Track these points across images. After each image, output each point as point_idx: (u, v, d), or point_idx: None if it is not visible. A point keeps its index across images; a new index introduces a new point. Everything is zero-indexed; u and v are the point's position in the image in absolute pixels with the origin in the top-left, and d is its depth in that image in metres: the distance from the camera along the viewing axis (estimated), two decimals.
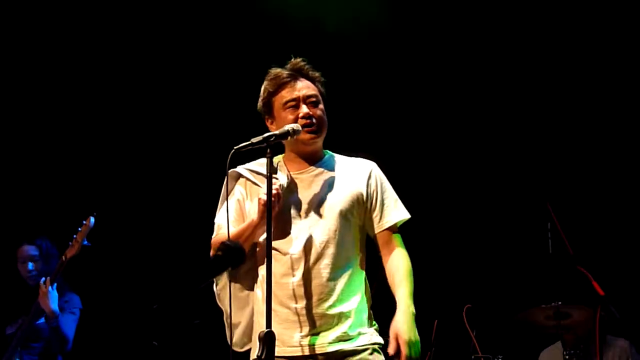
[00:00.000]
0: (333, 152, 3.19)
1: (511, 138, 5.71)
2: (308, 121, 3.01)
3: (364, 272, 3.05)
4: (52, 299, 4.65)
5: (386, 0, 5.59)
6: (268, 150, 2.80)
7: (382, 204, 3.07)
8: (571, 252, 4.44)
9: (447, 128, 5.84)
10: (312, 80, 3.11)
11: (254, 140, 2.82)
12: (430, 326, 4.87)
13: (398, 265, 3.01)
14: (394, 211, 3.07)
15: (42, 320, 4.77)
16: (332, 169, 3.10)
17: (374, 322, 3.04)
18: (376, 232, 3.06)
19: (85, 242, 4.59)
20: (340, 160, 3.16)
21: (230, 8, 5.74)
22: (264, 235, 2.85)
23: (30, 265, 4.91)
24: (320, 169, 3.08)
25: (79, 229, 4.59)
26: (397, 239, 3.07)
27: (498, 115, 5.72)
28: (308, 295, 2.92)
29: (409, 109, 5.84)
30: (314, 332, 2.91)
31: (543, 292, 4.97)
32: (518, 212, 5.53)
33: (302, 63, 3.12)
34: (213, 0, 5.75)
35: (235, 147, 2.80)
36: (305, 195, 3.03)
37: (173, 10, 5.75)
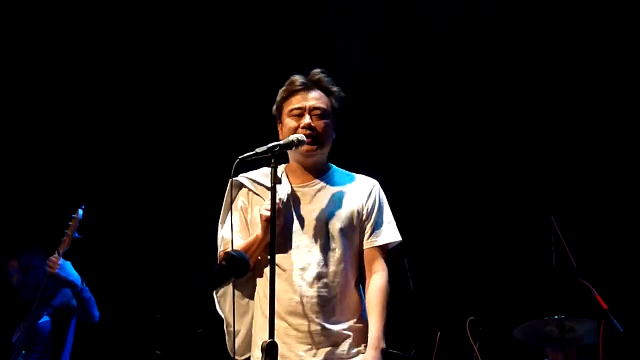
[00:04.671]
0: (339, 166, 3.20)
1: (515, 151, 5.71)
2: (308, 132, 3.01)
3: (358, 291, 3.04)
4: (68, 269, 4.61)
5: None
6: (272, 161, 2.80)
7: (376, 223, 3.07)
8: (575, 266, 4.43)
9: (451, 141, 5.84)
10: (328, 93, 3.09)
11: (259, 150, 2.82)
12: (433, 339, 4.86)
13: (376, 290, 2.99)
14: (385, 232, 3.07)
15: (44, 319, 4.78)
16: (335, 185, 3.09)
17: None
18: (364, 248, 3.06)
19: (76, 235, 4.61)
20: (344, 176, 3.15)
21: (232, 17, 5.78)
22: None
23: (15, 279, 4.94)
24: (323, 184, 3.08)
25: (70, 223, 4.62)
26: (382, 261, 3.05)
27: (503, 128, 5.72)
28: (306, 312, 2.92)
29: (410, 122, 5.84)
30: (313, 349, 2.91)
31: (547, 305, 4.96)
32: (522, 226, 5.52)
33: (321, 75, 3.11)
34: (218, 8, 5.78)
35: (239, 157, 2.80)
36: (307, 210, 3.03)
37: (177, 16, 5.79)
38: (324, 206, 3.03)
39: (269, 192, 2.83)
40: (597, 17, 5.44)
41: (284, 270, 2.95)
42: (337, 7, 5.68)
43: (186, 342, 5.58)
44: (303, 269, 2.95)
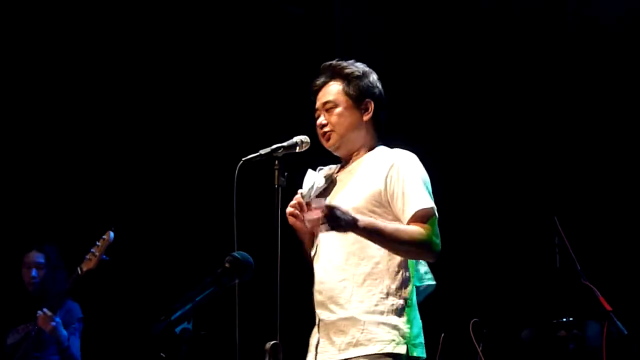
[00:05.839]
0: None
1: (518, 151, 5.70)
2: (322, 130, 3.03)
3: (391, 274, 2.89)
4: (59, 328, 4.67)
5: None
6: (276, 162, 2.81)
7: (404, 195, 2.87)
8: (578, 267, 4.43)
9: (453, 141, 5.84)
10: (343, 78, 3.03)
11: (262, 151, 2.83)
12: (437, 340, 4.85)
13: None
14: (413, 201, 2.86)
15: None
16: (364, 165, 3.01)
17: (402, 330, 2.84)
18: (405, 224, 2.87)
19: (104, 257, 4.61)
20: (377, 154, 3.03)
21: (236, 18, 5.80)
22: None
23: (35, 272, 4.91)
24: (354, 167, 3.04)
25: (97, 243, 4.60)
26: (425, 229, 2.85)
27: (505, 128, 5.72)
28: (322, 298, 2.91)
29: (409, 121, 5.83)
30: (328, 337, 2.88)
31: (550, 307, 4.95)
32: (525, 226, 5.51)
33: (332, 64, 3.05)
34: (220, 9, 5.80)
35: (243, 159, 2.81)
36: (333, 195, 3.01)
37: (180, 21, 5.82)
38: (344, 188, 2.99)
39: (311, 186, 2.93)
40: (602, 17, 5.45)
41: (312, 257, 2.98)
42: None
43: (190, 344, 5.58)
44: (318, 254, 2.96)
